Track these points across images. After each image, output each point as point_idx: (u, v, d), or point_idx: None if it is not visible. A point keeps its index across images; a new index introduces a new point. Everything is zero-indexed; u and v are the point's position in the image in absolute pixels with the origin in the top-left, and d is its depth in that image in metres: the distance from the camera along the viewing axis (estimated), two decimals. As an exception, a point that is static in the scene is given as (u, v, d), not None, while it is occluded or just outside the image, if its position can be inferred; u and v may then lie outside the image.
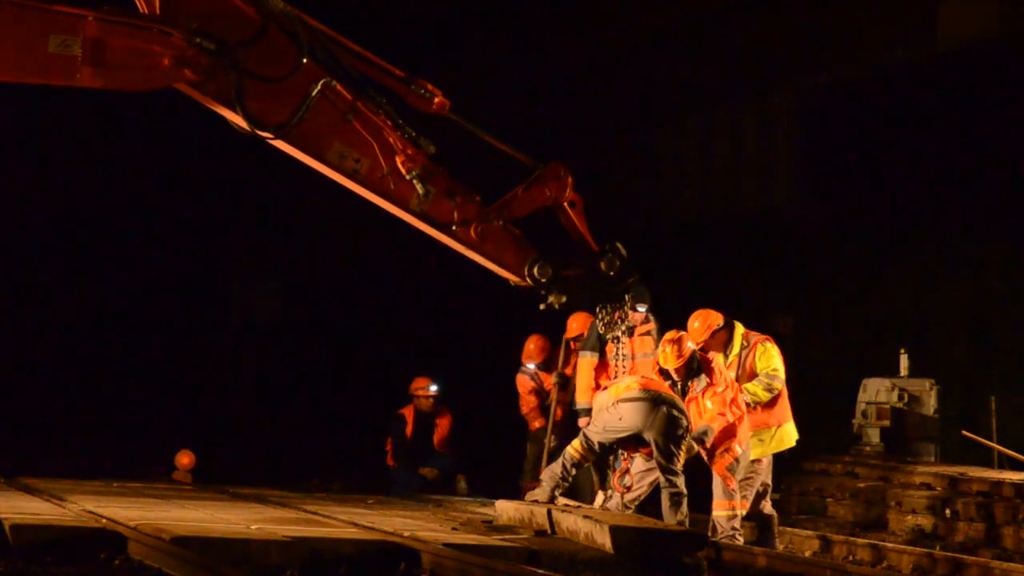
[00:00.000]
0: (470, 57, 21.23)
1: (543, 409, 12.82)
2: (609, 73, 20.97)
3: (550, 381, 12.64)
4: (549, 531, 9.48)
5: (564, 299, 10.13)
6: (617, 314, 10.36)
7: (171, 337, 20.60)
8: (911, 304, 17.34)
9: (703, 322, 10.92)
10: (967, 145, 16.84)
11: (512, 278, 10.13)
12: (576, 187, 10.17)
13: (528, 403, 12.89)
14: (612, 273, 10.13)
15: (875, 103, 18.01)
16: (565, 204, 10.04)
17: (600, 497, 10.59)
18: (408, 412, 14.43)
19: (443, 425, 14.42)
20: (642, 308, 11.15)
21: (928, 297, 17.28)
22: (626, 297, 10.33)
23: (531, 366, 12.81)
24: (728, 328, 10.97)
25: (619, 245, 10.18)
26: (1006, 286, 16.61)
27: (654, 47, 20.51)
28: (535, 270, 9.95)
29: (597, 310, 10.46)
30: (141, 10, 8.95)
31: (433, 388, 14.34)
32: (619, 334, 10.53)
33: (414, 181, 9.51)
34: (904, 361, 14.91)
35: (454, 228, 9.75)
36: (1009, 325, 16.48)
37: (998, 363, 16.39)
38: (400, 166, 9.50)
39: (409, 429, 14.35)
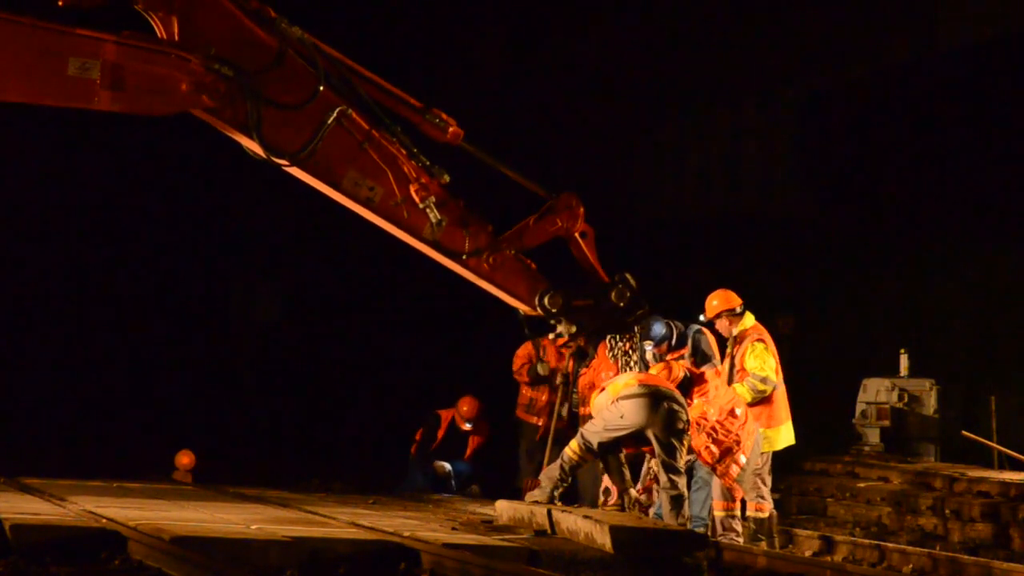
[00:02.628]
0: (472, 56, 21.22)
1: (531, 369, 12.82)
2: (609, 73, 20.97)
3: (551, 350, 12.65)
4: (549, 531, 9.48)
5: (574, 329, 10.17)
6: (627, 344, 10.42)
7: (171, 337, 20.59)
8: (911, 304, 17.35)
9: (722, 300, 11.01)
10: (967, 145, 16.85)
11: (522, 308, 10.15)
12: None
13: (518, 360, 12.91)
14: (622, 304, 10.15)
15: (875, 103, 18.02)
16: (576, 235, 10.07)
17: (622, 497, 10.59)
18: (446, 415, 14.41)
19: (475, 442, 14.40)
20: (649, 346, 11.14)
21: (928, 297, 17.29)
22: (636, 329, 10.38)
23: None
24: (740, 316, 11.03)
25: (629, 276, 10.22)
26: (1006, 286, 16.62)
27: (654, 47, 20.52)
28: (545, 300, 9.97)
29: (607, 340, 10.53)
30: (160, 35, 8.97)
31: (468, 425, 14.32)
32: (631, 363, 10.58)
33: (427, 210, 9.53)
34: (904, 361, 14.92)
35: (466, 257, 9.78)
36: (1009, 325, 16.49)
37: (998, 363, 16.39)
38: (414, 195, 9.52)
39: (441, 432, 14.34)
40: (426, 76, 20.94)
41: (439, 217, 9.56)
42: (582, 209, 10.07)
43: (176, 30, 8.95)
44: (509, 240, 9.93)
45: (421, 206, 9.53)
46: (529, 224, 10.01)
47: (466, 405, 14.27)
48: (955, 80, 17.05)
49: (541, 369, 12.56)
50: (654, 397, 9.98)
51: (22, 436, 17.26)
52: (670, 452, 9.98)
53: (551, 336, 10.81)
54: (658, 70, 20.52)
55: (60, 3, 8.75)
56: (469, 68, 21.33)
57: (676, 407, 10.00)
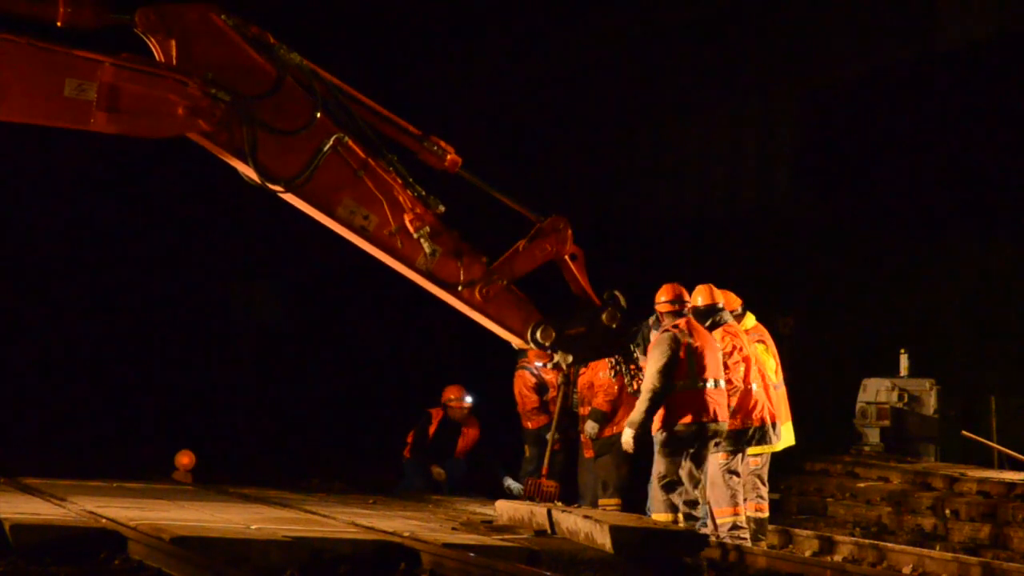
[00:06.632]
0: (475, 54, 21.22)
1: (543, 406, 12.81)
2: (609, 73, 20.98)
3: (552, 377, 12.62)
4: (549, 531, 9.49)
5: (571, 359, 10.17)
6: (631, 366, 10.45)
7: (172, 337, 20.59)
8: (911, 304, 17.35)
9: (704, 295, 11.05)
10: (967, 145, 16.85)
11: (515, 341, 10.14)
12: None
13: (530, 401, 12.87)
14: (614, 326, 10.15)
15: (875, 103, 18.01)
16: (567, 258, 10.05)
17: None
18: (437, 413, 14.36)
19: (469, 435, 14.32)
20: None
21: (928, 297, 17.28)
22: (632, 347, 10.38)
23: (538, 363, 12.73)
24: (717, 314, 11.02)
25: (618, 294, 10.20)
26: (1006, 286, 16.62)
27: (655, 47, 20.52)
28: (538, 334, 9.98)
29: (611, 363, 10.56)
30: (158, 58, 8.95)
31: (468, 400, 14.24)
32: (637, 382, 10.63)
33: (421, 240, 9.54)
34: (904, 361, 14.93)
35: (459, 288, 9.78)
36: (1009, 325, 16.49)
37: (998, 363, 16.39)
38: (408, 224, 9.52)
39: (432, 429, 14.28)
40: (426, 78, 20.96)
41: (433, 247, 9.57)
42: (570, 231, 10.05)
43: (174, 54, 8.94)
44: (501, 270, 9.89)
45: (416, 236, 9.53)
46: (519, 250, 9.97)
47: (453, 392, 14.24)
48: (955, 79, 17.05)
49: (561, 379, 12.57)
50: None
51: (22, 436, 17.26)
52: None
53: (548, 365, 10.82)
54: (658, 70, 20.52)
55: (59, 24, 8.73)
56: (469, 68, 21.32)
57: None
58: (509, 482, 13.55)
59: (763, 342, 11.02)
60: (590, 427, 11.88)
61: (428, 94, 20.18)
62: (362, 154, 9.42)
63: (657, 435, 10.23)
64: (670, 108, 20.64)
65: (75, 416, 19.13)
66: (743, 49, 19.60)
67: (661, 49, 20.44)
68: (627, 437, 10.38)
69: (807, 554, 10.50)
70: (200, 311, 21.05)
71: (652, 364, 10.21)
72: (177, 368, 20.25)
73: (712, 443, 10.29)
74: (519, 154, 20.62)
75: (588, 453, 12.18)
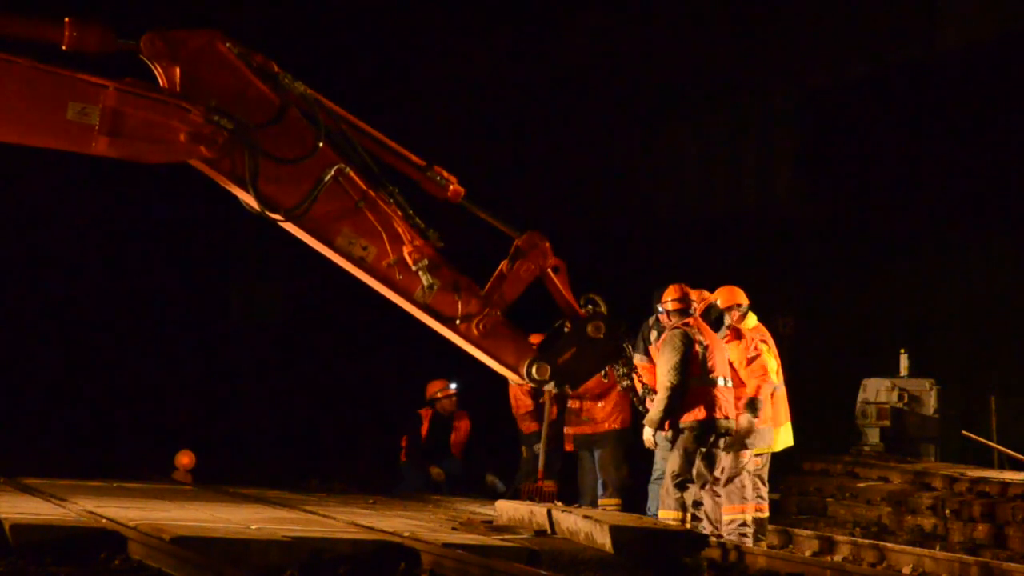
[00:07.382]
0: (475, 52, 21.21)
1: (538, 411, 12.80)
2: (609, 74, 20.97)
3: None
4: (549, 531, 9.50)
5: (570, 385, 10.16)
6: (633, 372, 10.44)
7: (172, 337, 20.59)
8: (911, 304, 17.35)
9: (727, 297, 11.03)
10: (967, 145, 16.86)
11: (512, 376, 10.10)
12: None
13: (524, 405, 12.87)
14: (601, 335, 10.07)
15: (875, 103, 18.02)
16: (549, 271, 10.01)
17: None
18: (426, 412, 14.40)
19: (461, 428, 14.34)
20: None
21: (928, 297, 17.29)
22: (626, 346, 10.36)
23: None
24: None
25: (595, 298, 10.11)
26: (1006, 286, 16.62)
27: (655, 47, 20.53)
28: (534, 372, 9.90)
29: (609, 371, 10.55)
30: (162, 84, 8.94)
31: (453, 387, 14.28)
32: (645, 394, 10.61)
33: (420, 272, 9.49)
34: (904, 361, 14.93)
35: (456, 322, 9.73)
36: (1009, 325, 16.49)
37: (998, 363, 16.40)
38: (407, 256, 9.48)
39: (424, 428, 14.31)
40: (425, 80, 20.96)
41: (431, 280, 9.53)
42: (548, 244, 10.00)
43: (178, 80, 8.92)
44: (492, 299, 9.82)
45: (414, 268, 9.49)
46: (504, 274, 9.90)
47: (436, 386, 14.28)
48: (954, 80, 17.06)
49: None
50: None
51: (22, 436, 17.28)
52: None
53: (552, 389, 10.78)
54: (657, 70, 20.51)
55: (64, 47, 8.73)
56: (468, 69, 21.31)
57: None
58: (492, 479, 13.62)
59: (765, 342, 11.04)
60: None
61: (426, 95, 20.18)
62: (363, 185, 9.40)
63: (668, 431, 10.25)
64: (670, 109, 20.64)
65: (75, 416, 19.14)
66: (743, 49, 19.60)
67: (661, 49, 20.44)
68: (647, 435, 10.44)
69: (807, 554, 10.51)
70: (200, 311, 21.05)
71: (666, 361, 10.24)
72: (178, 368, 20.25)
73: (722, 441, 10.30)
74: (518, 156, 20.61)
75: (568, 447, 12.33)
